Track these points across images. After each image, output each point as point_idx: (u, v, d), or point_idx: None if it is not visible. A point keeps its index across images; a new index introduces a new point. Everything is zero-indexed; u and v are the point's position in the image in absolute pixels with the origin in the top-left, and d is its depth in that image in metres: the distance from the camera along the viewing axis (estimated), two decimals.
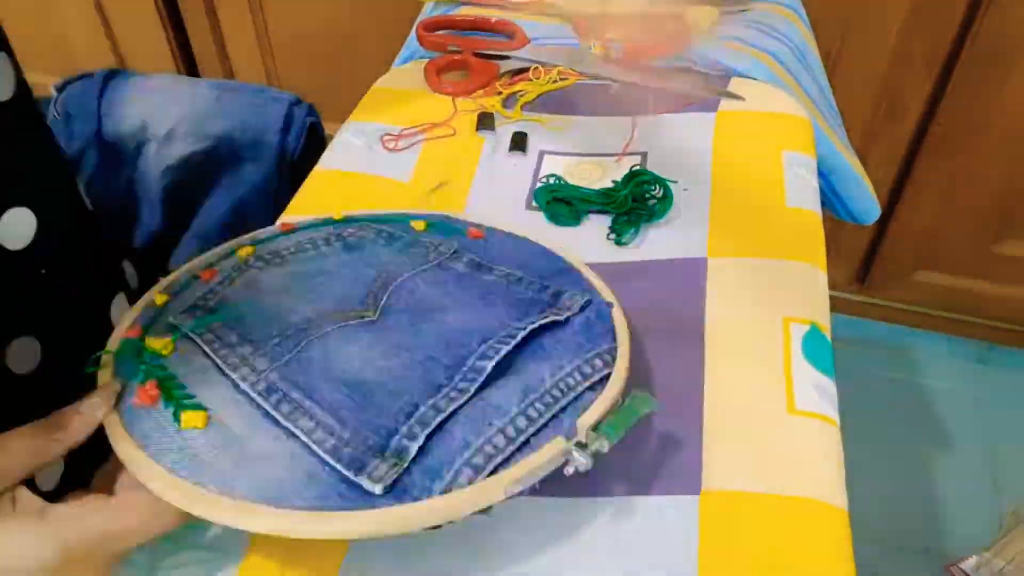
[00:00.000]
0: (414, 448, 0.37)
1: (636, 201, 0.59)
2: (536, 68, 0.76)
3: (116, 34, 1.57)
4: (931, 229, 1.36)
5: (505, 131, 0.70)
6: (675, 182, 0.60)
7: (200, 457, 0.37)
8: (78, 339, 0.47)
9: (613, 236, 0.58)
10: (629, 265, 0.56)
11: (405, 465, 0.37)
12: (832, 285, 0.55)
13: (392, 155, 0.68)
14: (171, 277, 0.50)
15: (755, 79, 0.73)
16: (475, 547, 0.42)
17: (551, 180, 0.63)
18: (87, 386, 0.41)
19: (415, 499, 0.35)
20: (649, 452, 0.45)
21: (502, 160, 0.67)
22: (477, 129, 0.70)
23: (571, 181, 0.63)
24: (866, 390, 1.44)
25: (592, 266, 0.53)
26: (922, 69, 1.20)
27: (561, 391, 0.41)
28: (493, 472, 0.37)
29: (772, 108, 0.69)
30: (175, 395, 0.40)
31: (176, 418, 0.39)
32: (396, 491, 0.36)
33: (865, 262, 1.46)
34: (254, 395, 0.40)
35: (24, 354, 0.46)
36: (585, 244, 0.58)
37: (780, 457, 0.44)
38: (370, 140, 0.70)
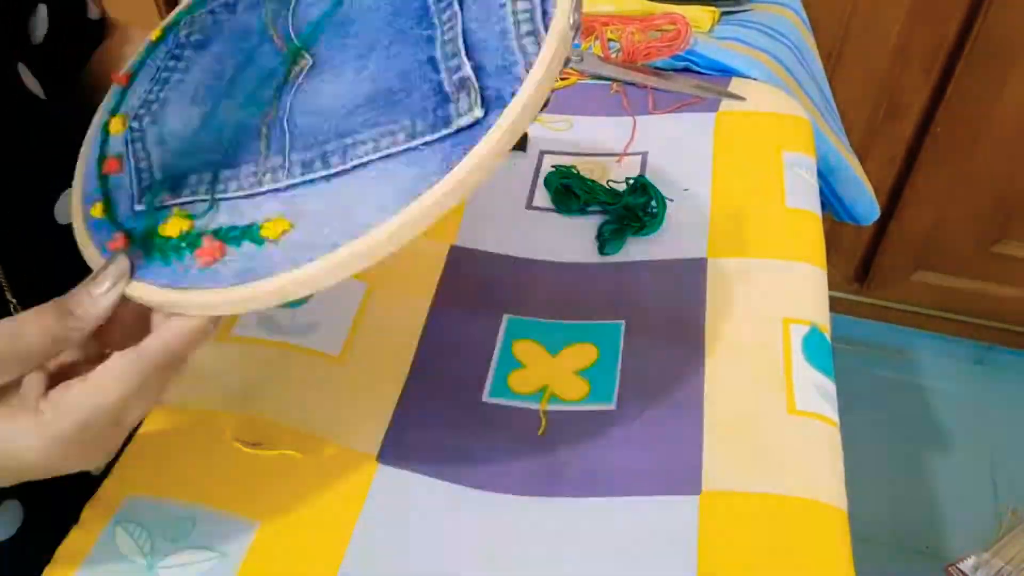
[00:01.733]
0: (467, 68, 0.34)
1: (628, 210, 0.59)
2: None
3: (107, 19, 1.56)
4: (930, 230, 1.36)
5: None
6: (672, 200, 0.60)
7: (311, 237, 0.34)
8: None
9: (597, 244, 0.58)
10: (629, 265, 0.56)
11: (477, 85, 0.34)
12: (832, 285, 0.55)
13: None
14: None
15: (755, 79, 0.73)
16: (475, 547, 0.42)
17: (563, 168, 0.63)
18: None
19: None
20: (649, 452, 0.45)
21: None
22: None
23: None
24: (866, 390, 1.45)
25: (592, 265, 0.53)
26: (922, 70, 1.20)
27: None
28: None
29: (772, 108, 0.69)
30: (237, 231, 0.35)
31: (257, 239, 0.34)
32: (496, 103, 0.33)
33: (864, 263, 1.46)
34: (299, 181, 0.36)
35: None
36: (587, 237, 0.58)
37: (780, 457, 0.44)
38: None
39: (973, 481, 1.32)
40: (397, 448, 0.46)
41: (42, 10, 0.52)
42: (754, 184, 0.62)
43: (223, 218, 0.36)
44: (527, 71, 0.33)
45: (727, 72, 0.74)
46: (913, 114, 1.25)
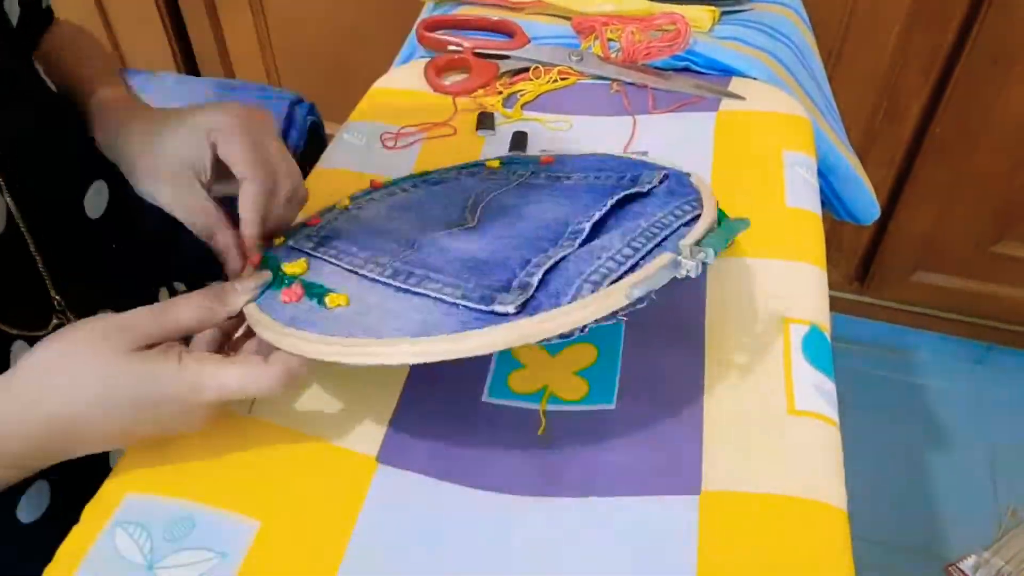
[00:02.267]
0: (536, 280, 0.41)
1: None
2: (536, 68, 0.76)
3: (117, 33, 1.57)
4: (931, 229, 1.36)
5: (505, 130, 0.70)
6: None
7: (349, 320, 0.42)
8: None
9: None
10: None
11: (530, 294, 0.40)
12: (832, 285, 0.55)
13: (392, 154, 0.69)
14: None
15: (755, 79, 0.73)
16: (475, 547, 0.42)
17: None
18: None
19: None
20: (649, 452, 0.45)
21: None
22: (477, 129, 0.70)
23: None
24: (866, 390, 1.45)
25: None
26: (922, 70, 1.20)
27: (659, 228, 0.45)
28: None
29: (772, 108, 0.69)
30: (316, 290, 0.45)
31: (321, 302, 0.44)
32: (528, 310, 0.39)
33: (865, 262, 1.46)
34: (383, 280, 0.45)
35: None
36: None
37: (780, 457, 0.44)
38: (370, 139, 0.70)
39: (973, 481, 1.32)
40: (397, 448, 0.46)
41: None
42: (754, 183, 0.62)
43: (321, 277, 0.47)
44: (559, 303, 0.40)
45: (727, 72, 0.74)
46: (913, 114, 1.25)
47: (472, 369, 0.50)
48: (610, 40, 0.77)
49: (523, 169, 0.58)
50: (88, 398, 0.40)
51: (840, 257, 1.45)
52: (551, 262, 0.43)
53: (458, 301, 0.41)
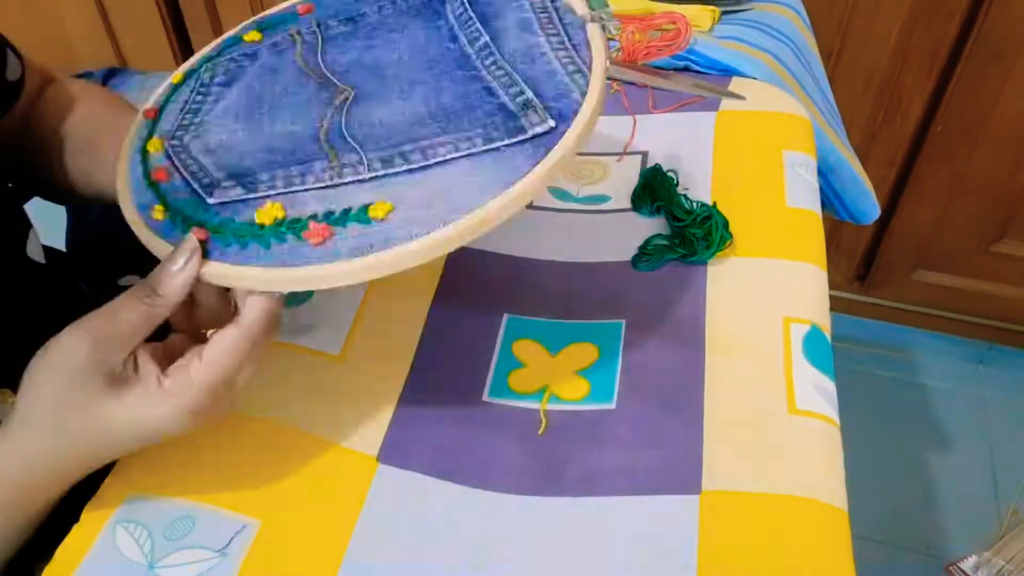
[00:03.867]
0: (530, 94, 0.43)
1: (681, 232, 0.57)
2: None
3: (117, 32, 1.57)
4: (931, 229, 1.36)
5: None
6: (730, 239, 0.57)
7: (403, 225, 0.39)
8: None
9: (634, 259, 0.57)
10: (629, 264, 0.56)
11: (541, 104, 0.42)
12: (832, 285, 0.55)
13: None
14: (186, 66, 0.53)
15: (755, 79, 0.73)
16: (475, 547, 0.42)
17: (668, 173, 0.62)
18: None
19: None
20: (649, 452, 0.45)
21: None
22: None
23: (572, 180, 0.63)
24: (866, 389, 1.44)
25: (592, 264, 0.53)
26: (922, 69, 1.20)
27: (540, 10, 0.49)
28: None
29: (772, 108, 0.69)
30: (353, 216, 0.41)
31: (365, 220, 0.40)
32: (561, 119, 0.42)
33: (865, 262, 1.46)
34: (392, 172, 0.42)
35: None
36: (588, 237, 0.58)
37: (780, 457, 0.44)
38: None
39: (974, 480, 1.32)
40: (397, 448, 0.46)
41: None
42: (754, 183, 0.62)
43: (315, 206, 0.41)
44: (583, 96, 0.42)
45: (727, 71, 0.74)
46: (913, 113, 1.25)
47: (472, 368, 0.50)
48: (610, 39, 0.77)
49: (296, 24, 0.54)
50: (85, 451, 0.41)
51: (840, 257, 1.45)
52: (516, 75, 0.44)
53: (493, 146, 0.40)
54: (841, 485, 0.43)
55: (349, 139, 0.44)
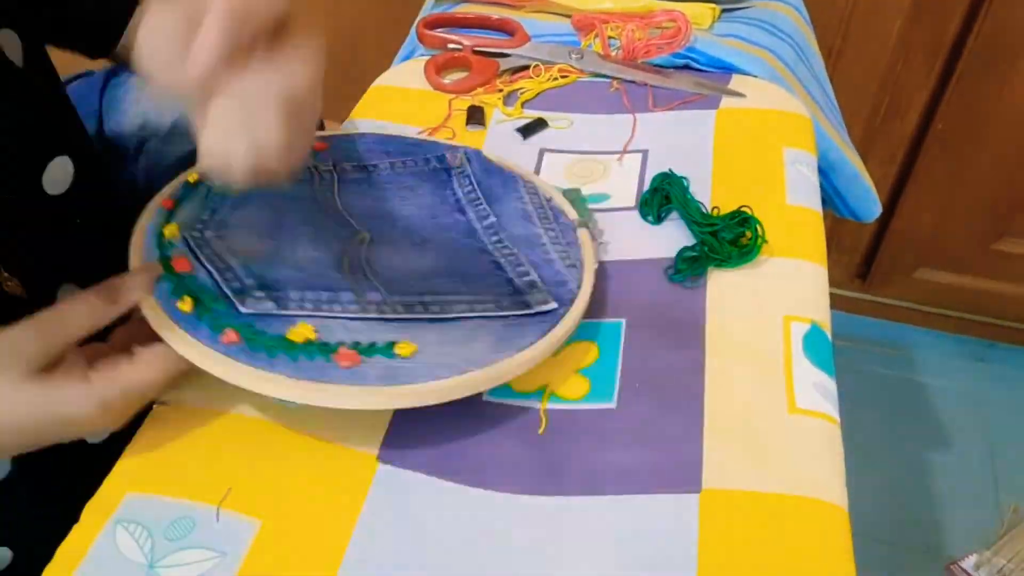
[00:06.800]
0: (534, 275, 0.50)
1: (714, 238, 0.55)
2: (536, 66, 0.76)
3: None
4: (932, 227, 1.36)
5: (503, 128, 0.69)
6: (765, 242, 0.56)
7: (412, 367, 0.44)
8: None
9: (670, 271, 0.55)
10: (630, 263, 0.56)
11: (544, 287, 0.49)
12: (833, 283, 0.55)
13: None
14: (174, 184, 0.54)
15: (756, 76, 0.72)
16: (475, 547, 0.42)
17: (680, 177, 0.60)
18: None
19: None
20: (649, 451, 0.45)
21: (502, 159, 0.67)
22: (467, 124, 0.70)
23: (572, 179, 0.63)
24: (867, 388, 1.44)
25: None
26: (923, 67, 1.20)
27: (534, 206, 0.56)
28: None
29: (773, 105, 0.69)
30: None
31: (390, 352, 0.44)
32: (561, 300, 0.49)
33: (866, 260, 1.46)
34: (403, 317, 0.47)
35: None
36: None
37: (781, 455, 0.44)
38: None
39: (975, 479, 1.32)
40: (397, 448, 0.46)
41: None
42: (755, 181, 0.62)
43: (342, 334, 0.45)
44: (577, 287, 0.50)
45: (727, 69, 0.74)
46: (914, 111, 1.25)
47: None
48: (610, 38, 0.77)
49: (314, 159, 0.58)
50: None
51: (841, 255, 1.45)
52: (523, 258, 0.51)
53: (504, 314, 0.46)
54: (841, 484, 0.43)
55: (371, 277, 0.49)
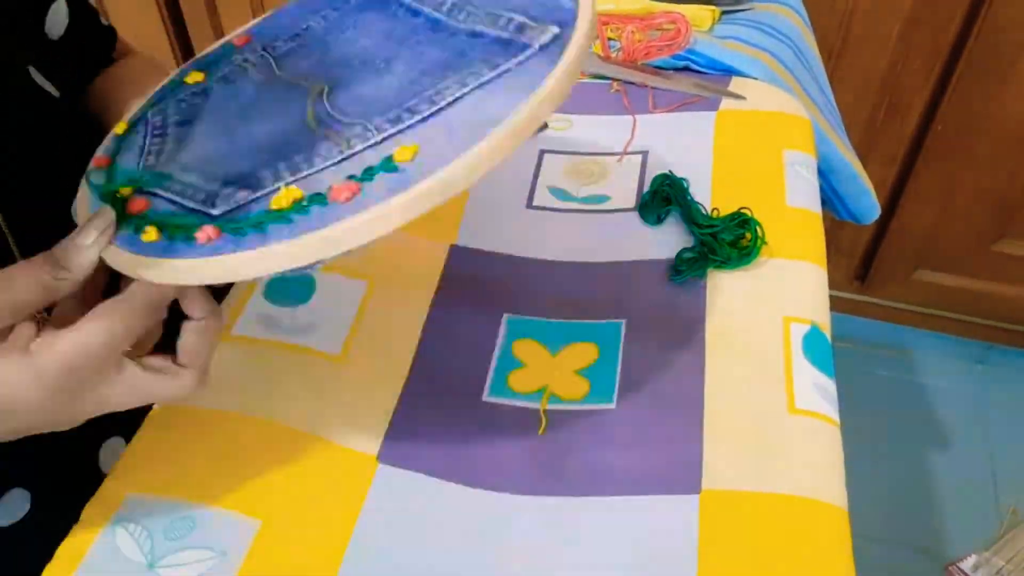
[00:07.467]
0: (518, 16, 0.42)
1: (714, 239, 0.55)
2: None
3: (117, 31, 1.57)
4: (931, 228, 1.36)
5: None
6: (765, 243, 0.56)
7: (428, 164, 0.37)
8: None
9: (671, 272, 0.55)
10: (629, 264, 0.56)
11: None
12: (832, 284, 0.55)
13: None
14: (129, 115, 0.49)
15: (755, 78, 0.73)
16: (475, 547, 0.42)
17: (680, 179, 0.61)
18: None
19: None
20: (649, 452, 0.45)
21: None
22: None
23: (572, 180, 0.63)
24: (866, 389, 1.45)
25: (592, 264, 0.53)
26: (923, 69, 1.20)
27: None
28: None
29: (772, 107, 0.69)
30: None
31: (392, 166, 0.38)
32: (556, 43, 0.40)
33: (865, 261, 1.46)
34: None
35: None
36: (588, 237, 0.58)
37: (780, 456, 0.44)
38: None
39: (974, 480, 1.32)
40: (397, 448, 0.46)
41: (61, 6, 0.53)
42: (754, 183, 0.62)
43: (331, 179, 0.38)
44: (575, 3, 0.41)
45: (727, 71, 0.74)
46: (914, 113, 1.25)
47: (472, 368, 0.50)
48: (610, 39, 0.77)
49: (240, 54, 0.51)
50: None
51: (840, 256, 1.45)
52: (500, 9, 0.43)
53: (502, 70, 0.40)
54: (841, 485, 0.43)
55: (343, 117, 0.42)
